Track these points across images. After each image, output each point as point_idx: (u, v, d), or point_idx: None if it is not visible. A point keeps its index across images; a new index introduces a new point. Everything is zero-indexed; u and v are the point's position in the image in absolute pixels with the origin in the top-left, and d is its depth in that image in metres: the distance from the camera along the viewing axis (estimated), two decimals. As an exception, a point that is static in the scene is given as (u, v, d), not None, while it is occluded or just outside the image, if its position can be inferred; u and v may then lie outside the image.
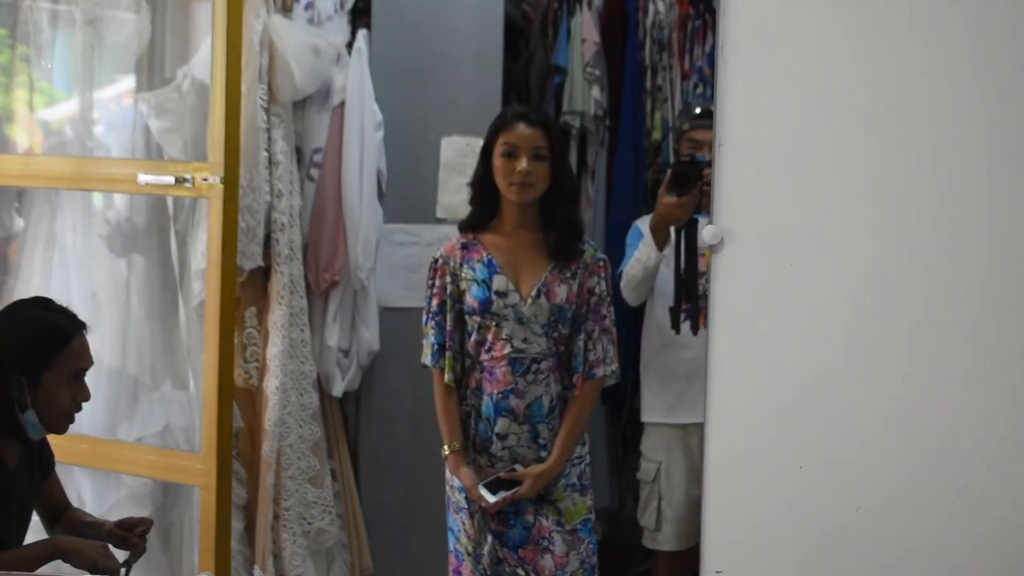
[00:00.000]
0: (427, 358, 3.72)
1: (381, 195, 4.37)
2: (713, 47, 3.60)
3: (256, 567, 4.19)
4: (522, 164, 3.60)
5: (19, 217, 4.37)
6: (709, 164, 3.59)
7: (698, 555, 3.22)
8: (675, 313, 3.91)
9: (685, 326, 3.93)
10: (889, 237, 2.96)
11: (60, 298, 3.85)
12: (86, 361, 3.36)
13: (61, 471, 3.89)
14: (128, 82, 4.38)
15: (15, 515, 3.42)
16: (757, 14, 2.94)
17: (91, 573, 3.33)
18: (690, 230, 3.82)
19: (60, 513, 3.58)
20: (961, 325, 2.97)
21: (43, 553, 3.36)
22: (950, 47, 2.92)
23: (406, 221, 4.41)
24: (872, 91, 2.94)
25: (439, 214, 4.37)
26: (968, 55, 2.93)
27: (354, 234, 4.26)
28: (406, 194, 4.40)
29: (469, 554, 3.71)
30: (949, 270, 2.96)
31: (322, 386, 4.34)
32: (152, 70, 4.39)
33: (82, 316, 3.54)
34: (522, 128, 3.64)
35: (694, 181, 3.84)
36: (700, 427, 3.36)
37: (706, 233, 2.95)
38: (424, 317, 3.76)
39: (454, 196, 4.26)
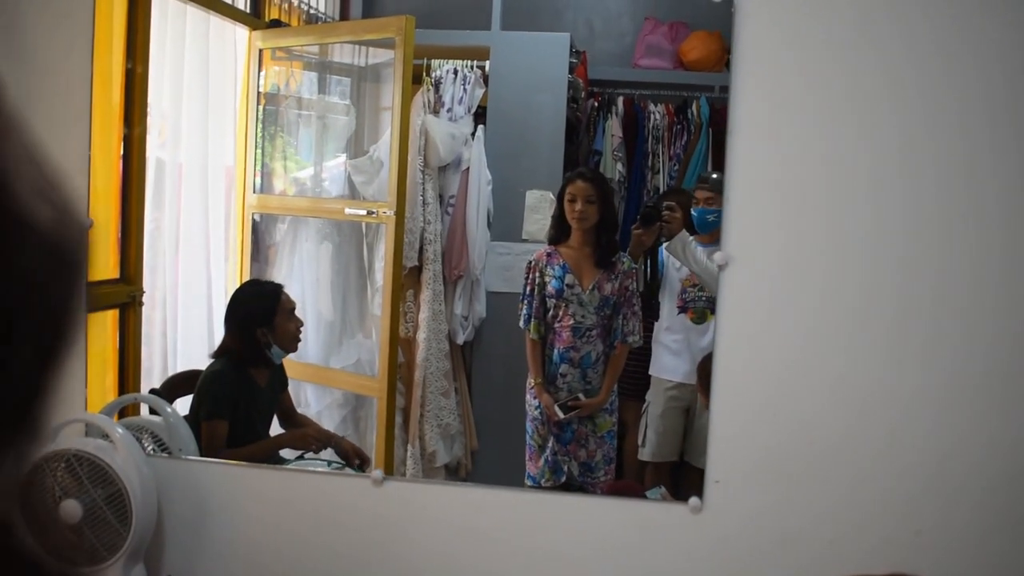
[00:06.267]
0: (522, 323, 4.05)
1: (489, 224, 4.52)
2: (687, 141, 4.23)
3: (409, 445, 4.45)
4: (578, 206, 4.01)
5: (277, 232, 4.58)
6: (666, 208, 3.85)
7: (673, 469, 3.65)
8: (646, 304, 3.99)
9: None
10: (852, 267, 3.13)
11: (298, 281, 4.43)
12: (293, 303, 3.89)
13: (294, 384, 4.35)
14: (342, 154, 4.68)
15: (264, 416, 3.95)
16: (762, 97, 3.14)
17: (308, 451, 3.72)
18: (653, 254, 4.01)
19: (291, 416, 4.08)
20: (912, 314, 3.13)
21: (270, 446, 3.71)
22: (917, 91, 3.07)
23: (504, 240, 4.50)
24: (846, 148, 3.11)
25: (524, 236, 4.46)
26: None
27: (472, 247, 4.48)
28: (505, 224, 4.51)
29: (539, 446, 4.06)
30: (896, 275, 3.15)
31: (451, 338, 4.55)
32: (356, 147, 4.66)
33: (310, 294, 4.20)
34: (579, 183, 4.04)
35: (655, 219, 3.96)
36: (678, 384, 3.85)
37: (717, 257, 3.10)
38: (520, 297, 4.09)
39: (533, 226, 4.42)
